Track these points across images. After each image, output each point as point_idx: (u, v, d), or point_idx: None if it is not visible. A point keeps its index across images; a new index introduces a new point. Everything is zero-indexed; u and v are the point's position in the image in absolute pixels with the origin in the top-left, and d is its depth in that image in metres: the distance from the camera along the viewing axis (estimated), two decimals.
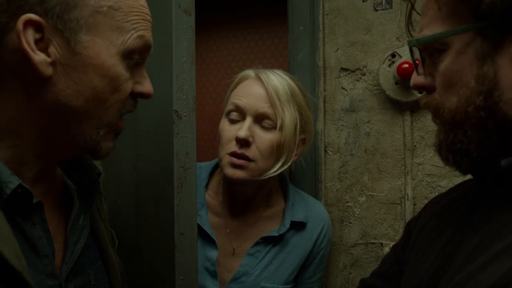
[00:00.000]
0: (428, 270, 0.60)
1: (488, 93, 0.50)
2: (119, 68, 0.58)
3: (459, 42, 0.52)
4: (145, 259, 0.90)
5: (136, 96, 0.62)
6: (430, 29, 0.55)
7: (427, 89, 0.59)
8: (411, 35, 0.71)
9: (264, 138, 0.98)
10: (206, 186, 1.11)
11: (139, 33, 0.59)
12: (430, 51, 0.56)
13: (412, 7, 0.66)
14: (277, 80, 1.00)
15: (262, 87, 1.00)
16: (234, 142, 0.98)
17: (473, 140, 0.53)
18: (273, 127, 0.99)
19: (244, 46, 1.51)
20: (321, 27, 1.21)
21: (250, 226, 1.08)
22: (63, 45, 0.55)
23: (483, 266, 0.49)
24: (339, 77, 1.21)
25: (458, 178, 1.09)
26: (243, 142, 0.97)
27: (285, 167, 1.01)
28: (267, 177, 0.99)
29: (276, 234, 1.04)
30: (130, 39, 0.58)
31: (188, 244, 0.88)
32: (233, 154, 0.98)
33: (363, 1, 1.17)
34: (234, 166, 0.98)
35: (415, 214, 1.13)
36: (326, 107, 1.22)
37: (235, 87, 1.04)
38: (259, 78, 1.01)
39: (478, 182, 0.61)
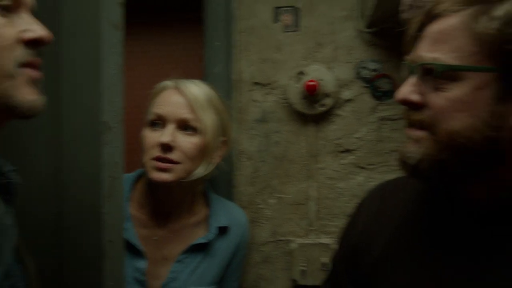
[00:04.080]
0: None
1: (496, 128, 0.55)
2: None
3: (477, 78, 0.56)
4: (70, 268, 0.90)
5: (30, 44, 0.60)
6: (450, 57, 0.57)
7: (415, 106, 0.61)
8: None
9: (187, 141, 1.05)
10: (129, 198, 1.14)
11: None
12: (438, 75, 0.58)
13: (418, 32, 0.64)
14: (196, 88, 1.09)
15: (181, 96, 1.07)
16: (157, 148, 1.03)
17: (463, 161, 0.58)
18: (194, 131, 1.06)
19: (156, 55, 1.55)
20: (236, 44, 1.31)
21: (177, 233, 1.13)
22: None
23: None
24: (252, 90, 1.32)
25: (353, 180, 1.27)
26: (166, 147, 1.03)
27: (211, 168, 1.09)
28: (193, 178, 1.06)
29: (204, 241, 1.11)
30: None
31: (117, 251, 0.91)
32: (157, 159, 1.04)
33: (274, 22, 1.30)
34: (160, 169, 1.03)
35: (318, 212, 1.29)
36: (240, 118, 1.32)
37: (154, 98, 1.10)
38: (177, 88, 1.08)
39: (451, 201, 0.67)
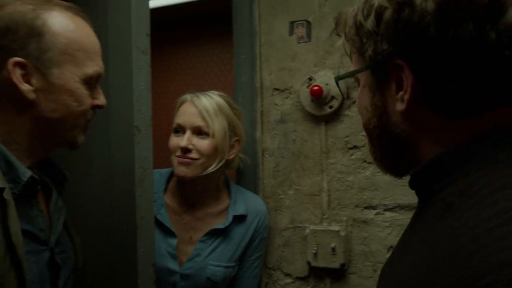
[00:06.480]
0: None
1: (380, 116, 0.62)
2: (82, 90, 0.83)
3: (362, 78, 0.64)
4: (116, 236, 1.18)
5: (94, 107, 0.88)
6: (350, 67, 0.67)
7: None
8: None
9: (201, 143, 1.30)
10: (165, 189, 1.41)
11: (96, 68, 0.85)
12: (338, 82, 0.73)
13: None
14: (206, 100, 1.32)
15: (195, 107, 1.32)
16: (178, 149, 1.30)
17: (378, 151, 0.65)
18: (206, 135, 1.31)
19: (192, 68, 1.83)
20: (258, 56, 1.52)
21: (201, 219, 1.38)
22: (42, 77, 0.78)
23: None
24: (272, 95, 1.52)
25: (361, 174, 1.41)
26: (185, 150, 1.29)
27: (222, 163, 1.32)
28: (208, 172, 1.30)
29: (222, 226, 1.35)
30: (89, 72, 0.83)
31: (147, 224, 1.17)
32: (179, 157, 1.30)
33: (290, 35, 1.49)
34: (181, 163, 1.29)
35: (330, 203, 1.45)
36: (263, 119, 1.53)
37: (178, 109, 1.36)
38: (192, 101, 1.33)
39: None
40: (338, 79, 0.72)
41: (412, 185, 0.63)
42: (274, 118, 1.51)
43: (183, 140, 1.29)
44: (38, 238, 0.83)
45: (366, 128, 0.65)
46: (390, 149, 0.63)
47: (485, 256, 0.42)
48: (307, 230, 1.44)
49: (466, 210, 0.48)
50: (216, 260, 1.33)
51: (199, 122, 1.31)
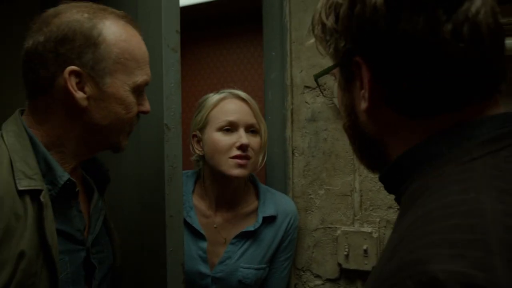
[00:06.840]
0: None
1: (349, 116, 0.60)
2: (131, 98, 0.85)
3: (337, 75, 0.62)
4: (145, 234, 1.18)
5: (139, 113, 0.90)
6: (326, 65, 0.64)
7: None
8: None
9: (254, 141, 1.30)
10: (193, 191, 1.40)
11: (145, 77, 0.87)
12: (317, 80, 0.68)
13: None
14: (251, 97, 1.31)
15: (245, 104, 1.31)
16: (234, 148, 1.27)
17: (356, 151, 0.64)
18: (257, 132, 1.31)
19: (220, 66, 1.81)
20: (288, 53, 1.49)
21: (231, 221, 1.37)
22: (95, 86, 0.80)
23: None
24: (303, 93, 1.48)
25: None
26: (245, 147, 1.27)
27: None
28: (256, 170, 1.32)
29: (252, 229, 1.33)
30: (138, 80, 0.85)
31: (176, 223, 1.16)
32: (238, 157, 1.27)
33: None
34: (240, 166, 1.27)
35: (362, 203, 1.41)
36: (293, 118, 1.50)
37: (214, 107, 1.32)
38: (239, 97, 1.31)
39: None
40: (316, 77, 0.69)
41: (386, 189, 0.61)
42: (305, 116, 1.48)
43: (243, 138, 1.27)
44: (74, 238, 0.84)
45: (343, 128, 0.64)
46: (363, 149, 0.62)
47: (398, 257, 0.42)
48: (339, 231, 1.41)
49: (409, 214, 0.48)
50: (247, 262, 1.31)
51: (252, 119, 1.30)
